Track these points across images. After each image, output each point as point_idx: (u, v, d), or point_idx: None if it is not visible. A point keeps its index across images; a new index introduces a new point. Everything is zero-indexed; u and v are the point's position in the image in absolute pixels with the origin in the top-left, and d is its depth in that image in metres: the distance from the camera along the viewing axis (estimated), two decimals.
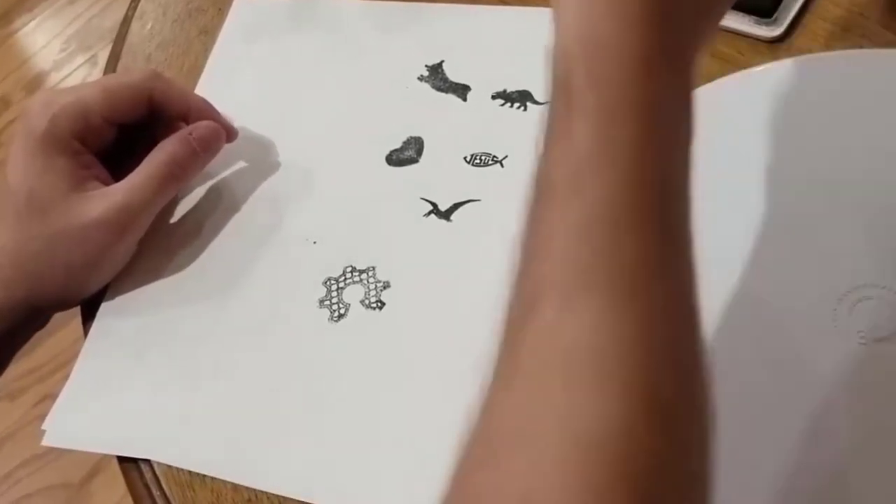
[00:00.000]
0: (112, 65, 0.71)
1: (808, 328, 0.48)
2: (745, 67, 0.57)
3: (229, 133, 0.63)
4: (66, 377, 0.59)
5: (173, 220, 0.63)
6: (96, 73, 1.87)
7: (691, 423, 0.33)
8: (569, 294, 0.33)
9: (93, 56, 1.93)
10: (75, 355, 0.60)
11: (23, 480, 1.52)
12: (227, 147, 0.65)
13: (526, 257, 0.35)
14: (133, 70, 0.61)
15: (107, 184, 0.59)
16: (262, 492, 0.52)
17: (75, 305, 0.61)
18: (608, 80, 0.35)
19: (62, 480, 1.50)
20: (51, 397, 0.59)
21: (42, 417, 0.58)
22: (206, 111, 0.62)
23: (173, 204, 0.63)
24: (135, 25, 0.72)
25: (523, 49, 0.64)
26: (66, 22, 2.02)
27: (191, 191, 0.64)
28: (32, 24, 2.06)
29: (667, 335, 0.33)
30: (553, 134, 0.36)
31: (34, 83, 1.96)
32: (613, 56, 0.35)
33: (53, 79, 1.95)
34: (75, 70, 1.94)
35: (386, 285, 0.57)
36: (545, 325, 0.33)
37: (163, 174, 0.59)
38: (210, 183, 0.64)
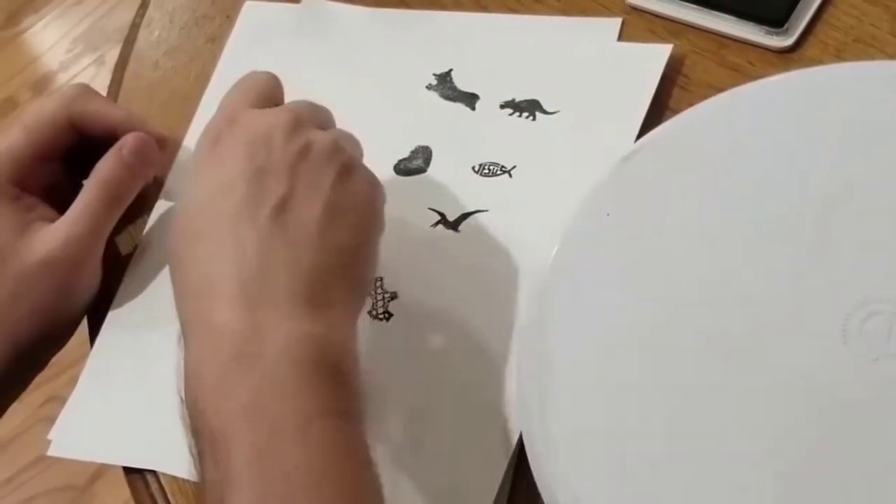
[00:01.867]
0: (119, 71, 0.71)
1: (817, 346, 0.47)
2: (755, 77, 0.57)
3: (161, 142, 0.62)
4: (72, 379, 0.59)
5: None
6: (104, 74, 1.87)
7: None
8: None
9: (100, 56, 1.93)
10: (82, 357, 0.60)
11: (27, 482, 1.52)
12: None
13: None
14: (54, 95, 0.61)
15: (53, 221, 0.59)
16: None
17: (68, 338, 0.60)
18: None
19: (67, 482, 1.50)
20: (56, 399, 0.60)
21: (47, 419, 0.58)
22: (131, 123, 0.61)
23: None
24: (142, 33, 0.72)
25: (532, 58, 0.64)
26: (73, 22, 2.02)
27: None
28: (40, 24, 2.06)
29: None
30: None
31: (41, 84, 1.96)
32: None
33: (61, 79, 1.96)
34: (82, 71, 1.94)
35: (393, 296, 0.57)
36: None
37: (101, 198, 0.58)
38: None
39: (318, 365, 0.42)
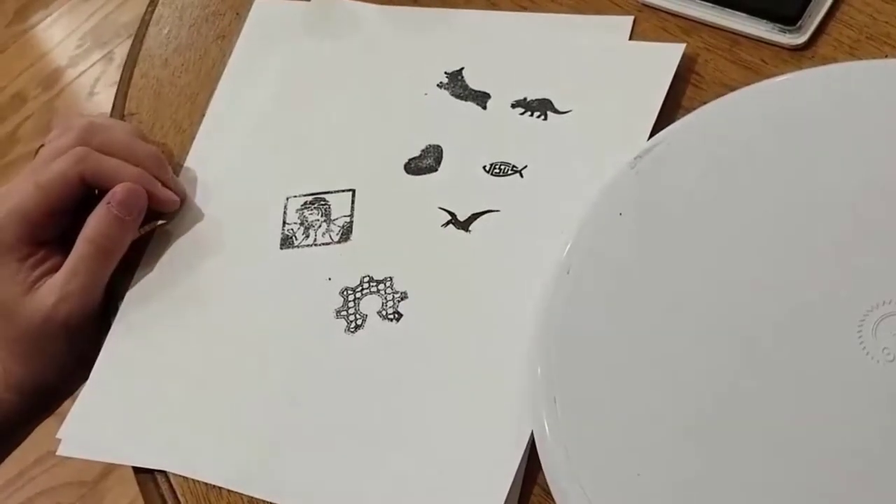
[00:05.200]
0: (129, 69, 0.70)
1: (833, 349, 0.47)
2: (768, 76, 0.57)
3: (167, 202, 0.62)
4: (83, 376, 0.59)
5: (186, 231, 0.63)
6: (112, 70, 1.87)
7: None
8: None
9: (109, 52, 1.93)
10: None
11: (38, 477, 1.52)
12: (241, 153, 0.65)
13: None
14: (68, 154, 0.60)
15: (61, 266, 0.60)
16: None
17: (85, 377, 0.60)
18: None
19: (77, 478, 1.50)
20: None
21: (58, 414, 0.59)
22: (144, 181, 0.61)
23: (184, 216, 0.63)
24: (152, 30, 0.72)
25: (544, 57, 0.63)
26: (82, 18, 2.02)
27: (202, 201, 0.64)
28: (48, 20, 2.06)
29: None
30: None
31: (50, 79, 1.96)
32: None
33: (69, 75, 1.95)
34: (91, 67, 1.94)
35: (403, 296, 0.56)
36: None
37: (91, 254, 0.59)
38: (220, 191, 0.64)
39: None
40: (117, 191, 0.60)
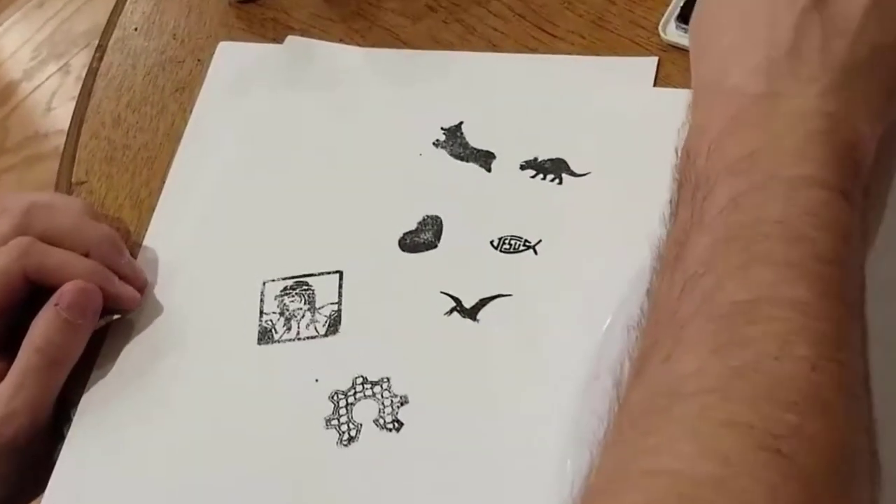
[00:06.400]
0: (76, 126, 0.63)
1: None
2: None
3: (126, 300, 0.56)
4: None
5: (147, 325, 0.57)
6: (70, 83, 1.81)
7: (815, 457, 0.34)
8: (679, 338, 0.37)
9: (65, 64, 1.86)
10: None
11: None
12: (208, 229, 0.59)
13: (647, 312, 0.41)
14: (8, 246, 0.54)
15: (3, 373, 0.54)
16: None
17: (42, 489, 0.54)
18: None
19: None
20: None
21: None
22: (98, 276, 0.55)
23: (144, 306, 0.57)
24: (100, 82, 0.65)
25: (556, 107, 0.59)
26: (35, 27, 1.97)
27: (164, 288, 0.58)
28: (0, 29, 1.99)
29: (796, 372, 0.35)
30: (676, 205, 0.43)
31: (3, 94, 1.91)
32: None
33: (24, 89, 1.90)
34: (47, 79, 1.88)
35: (403, 401, 0.51)
36: (658, 369, 0.37)
37: (39, 364, 0.53)
38: (186, 276, 0.58)
39: (829, 137, 0.41)
40: (66, 291, 0.54)
